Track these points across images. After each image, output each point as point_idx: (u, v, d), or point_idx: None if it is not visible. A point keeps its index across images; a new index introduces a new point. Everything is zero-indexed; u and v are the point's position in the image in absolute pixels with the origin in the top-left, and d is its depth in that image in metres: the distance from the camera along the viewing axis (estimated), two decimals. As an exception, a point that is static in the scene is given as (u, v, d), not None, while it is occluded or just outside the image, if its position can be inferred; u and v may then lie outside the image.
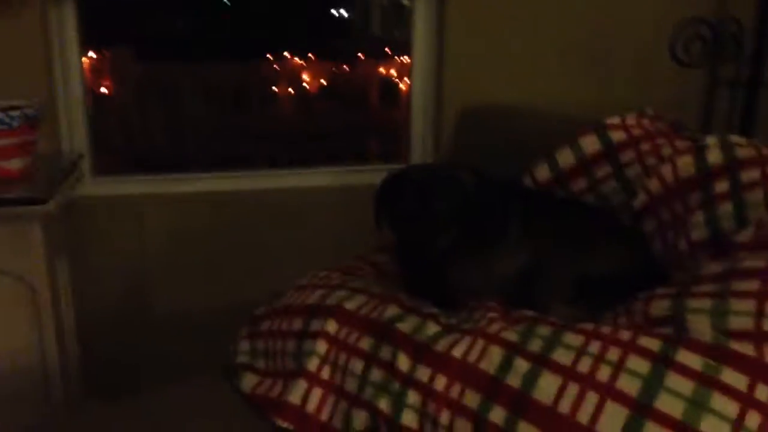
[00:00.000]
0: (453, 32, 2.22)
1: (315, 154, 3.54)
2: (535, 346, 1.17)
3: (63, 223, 2.04)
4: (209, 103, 3.63)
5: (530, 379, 1.12)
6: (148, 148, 3.41)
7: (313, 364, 1.39)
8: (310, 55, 3.76)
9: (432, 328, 1.30)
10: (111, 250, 2.25)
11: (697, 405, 1.02)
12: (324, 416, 1.34)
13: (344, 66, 3.88)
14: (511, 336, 1.21)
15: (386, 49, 3.73)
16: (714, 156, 1.47)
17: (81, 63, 2.22)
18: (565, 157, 1.72)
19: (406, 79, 3.04)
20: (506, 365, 1.16)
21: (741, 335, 1.10)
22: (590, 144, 1.70)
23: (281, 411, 1.37)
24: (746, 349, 1.07)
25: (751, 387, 1.02)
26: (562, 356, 1.13)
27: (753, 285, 1.16)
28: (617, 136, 1.68)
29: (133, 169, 2.48)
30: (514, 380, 1.14)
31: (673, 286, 1.28)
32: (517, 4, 2.22)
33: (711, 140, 1.50)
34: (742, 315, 1.13)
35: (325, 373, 1.37)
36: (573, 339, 1.16)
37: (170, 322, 2.28)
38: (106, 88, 3.21)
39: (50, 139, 2.13)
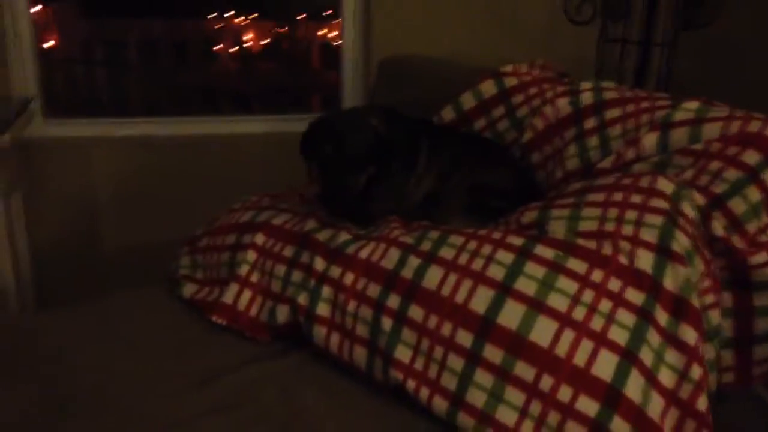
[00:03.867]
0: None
1: (256, 107, 3.70)
2: (426, 246, 1.42)
3: (16, 159, 2.21)
4: (152, 58, 3.75)
5: (420, 271, 1.37)
6: (93, 97, 3.53)
7: (243, 270, 1.62)
8: (253, 15, 3.91)
9: (344, 236, 1.55)
10: (61, 188, 2.44)
11: (547, 285, 1.27)
12: (253, 312, 1.58)
13: (285, 27, 4.03)
14: (408, 239, 1.46)
15: (327, 12, 3.90)
16: (585, 98, 1.74)
17: (29, 11, 2.37)
18: (467, 100, 1.98)
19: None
20: (402, 262, 1.41)
21: (587, 234, 1.36)
22: (488, 88, 1.96)
23: (216, 310, 1.60)
24: (589, 244, 1.34)
25: (589, 272, 1.28)
26: (446, 253, 1.38)
27: (600, 197, 1.43)
28: (510, 81, 1.94)
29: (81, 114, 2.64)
30: (407, 273, 1.38)
31: (543, 201, 1.55)
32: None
33: (585, 84, 1.77)
34: (589, 219, 1.39)
35: (254, 278, 1.61)
36: (456, 239, 1.41)
37: (118, 253, 2.49)
38: (54, 41, 3.32)
39: (2, 83, 2.29)
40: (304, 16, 3.94)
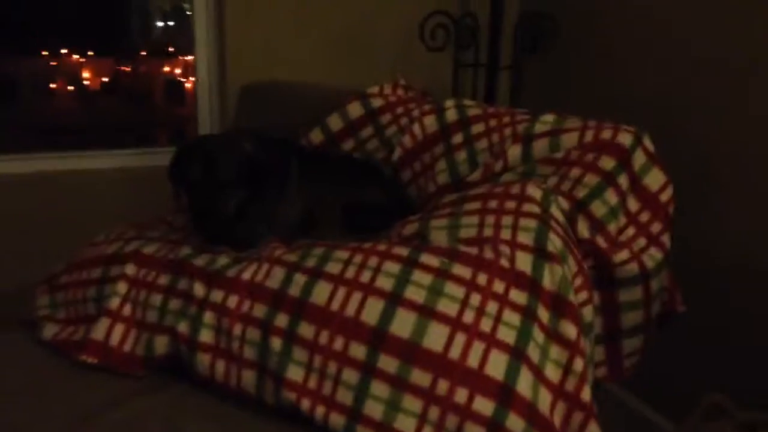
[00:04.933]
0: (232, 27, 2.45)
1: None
2: (311, 262, 1.40)
3: None
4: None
5: (307, 288, 1.35)
6: None
7: (113, 303, 1.52)
8: (89, 52, 3.73)
9: (223, 260, 1.49)
10: None
11: (435, 292, 1.29)
12: (127, 347, 1.48)
13: (126, 64, 3.89)
14: (292, 257, 1.44)
15: (170, 48, 3.80)
16: (450, 114, 1.82)
17: None
18: (335, 122, 2.00)
19: (192, 78, 3.21)
20: (288, 280, 1.38)
21: (468, 241, 1.41)
22: (355, 110, 1.99)
23: (85, 348, 1.48)
24: (472, 250, 1.38)
25: (474, 276, 1.32)
26: (332, 267, 1.37)
27: (476, 205, 1.49)
28: (376, 102, 1.98)
29: None
30: (294, 291, 1.36)
31: (420, 214, 1.58)
32: (288, 6, 2.50)
33: (448, 103, 1.85)
34: (469, 227, 1.44)
35: (126, 310, 1.51)
36: (342, 254, 1.40)
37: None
38: None
39: None
40: (144, 53, 3.83)
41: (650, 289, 1.55)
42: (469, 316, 1.27)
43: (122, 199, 2.41)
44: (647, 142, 1.59)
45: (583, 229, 1.49)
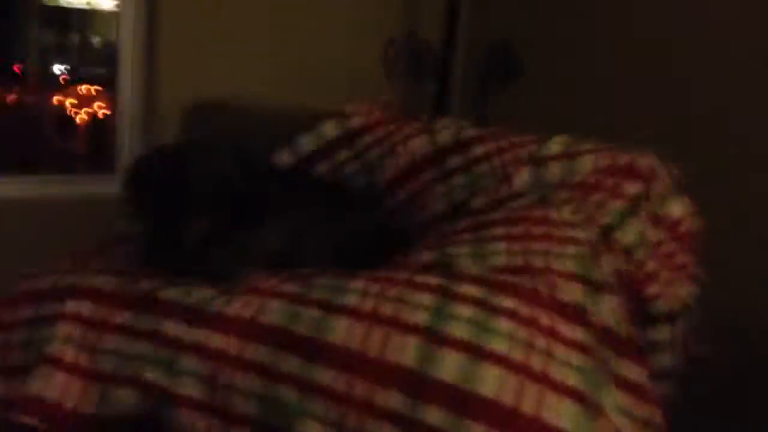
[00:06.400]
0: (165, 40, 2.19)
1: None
2: (319, 294, 1.15)
3: None
4: None
5: (320, 324, 1.10)
6: None
7: (52, 349, 1.19)
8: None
9: (201, 293, 1.21)
10: None
11: (480, 326, 1.07)
12: (71, 403, 1.15)
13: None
14: (290, 288, 1.18)
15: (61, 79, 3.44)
16: (445, 136, 1.63)
17: None
18: (308, 142, 1.76)
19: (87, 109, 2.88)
20: (291, 315, 1.12)
21: (503, 270, 1.21)
22: (330, 130, 1.76)
23: (19, 407, 1.14)
24: (510, 279, 1.18)
25: (519, 307, 1.11)
26: (346, 299, 1.13)
27: (499, 231, 1.30)
28: (355, 122, 1.76)
29: None
30: (302, 328, 1.10)
31: (430, 242, 1.37)
32: (229, 17, 2.27)
33: (441, 123, 1.67)
34: (496, 254, 1.25)
35: (69, 356, 1.19)
36: (354, 284, 1.16)
37: None
38: None
39: None
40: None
41: (678, 329, 1.40)
42: (518, 354, 1.06)
43: (34, 231, 2.04)
44: (670, 168, 1.47)
45: (611, 258, 1.33)
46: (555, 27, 2.36)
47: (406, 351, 1.06)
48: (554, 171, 1.50)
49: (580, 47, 2.28)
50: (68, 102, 3.45)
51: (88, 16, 3.01)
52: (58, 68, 3.21)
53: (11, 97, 3.42)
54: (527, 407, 1.01)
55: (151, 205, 1.37)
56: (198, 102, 2.11)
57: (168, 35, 2.22)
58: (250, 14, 2.31)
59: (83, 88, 3.10)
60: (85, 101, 3.11)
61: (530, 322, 1.10)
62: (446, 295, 1.12)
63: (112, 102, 2.72)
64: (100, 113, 2.95)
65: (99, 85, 2.98)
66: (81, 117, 3.22)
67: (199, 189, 1.35)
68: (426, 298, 1.12)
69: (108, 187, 2.31)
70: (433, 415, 1.00)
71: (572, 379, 1.06)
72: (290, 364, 1.07)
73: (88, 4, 2.91)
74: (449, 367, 1.03)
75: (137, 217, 1.40)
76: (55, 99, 3.47)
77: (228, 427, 1.07)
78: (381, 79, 2.35)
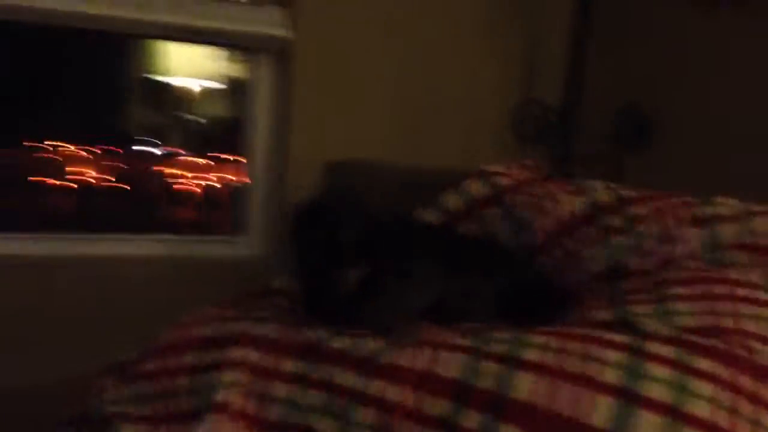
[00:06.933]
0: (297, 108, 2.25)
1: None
2: (498, 348, 1.10)
3: None
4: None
5: (503, 379, 1.04)
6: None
7: (220, 397, 1.17)
8: (95, 149, 3.46)
9: (370, 344, 1.17)
10: None
11: (679, 389, 1.00)
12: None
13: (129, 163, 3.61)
14: (464, 341, 1.13)
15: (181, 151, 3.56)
16: (602, 195, 1.58)
17: None
18: (453, 201, 1.73)
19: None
20: (471, 368, 1.07)
21: (694, 331, 1.13)
22: (477, 188, 1.73)
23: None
24: (703, 341, 1.10)
25: (717, 370, 1.04)
26: (528, 354, 1.07)
27: (686, 290, 1.23)
28: (504, 180, 1.74)
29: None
30: (484, 382, 1.04)
31: (601, 301, 1.31)
32: (362, 76, 2.33)
33: (595, 184, 1.62)
34: (685, 314, 1.18)
35: (237, 404, 1.16)
36: (533, 338, 1.11)
37: None
38: None
39: None
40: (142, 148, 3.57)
41: None
42: (722, 419, 0.98)
43: (165, 286, 2.07)
44: None
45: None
46: (688, 87, 2.30)
47: (599, 410, 0.99)
48: (727, 232, 1.42)
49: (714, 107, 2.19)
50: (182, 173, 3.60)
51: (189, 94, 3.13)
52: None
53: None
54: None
55: (308, 255, 1.36)
56: (326, 163, 2.14)
57: (299, 104, 2.28)
58: (376, 79, 2.35)
59: (197, 160, 3.21)
60: (197, 171, 3.21)
61: (732, 386, 1.02)
62: (637, 353, 1.05)
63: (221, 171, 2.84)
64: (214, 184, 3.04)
65: (205, 158, 3.10)
66: (194, 187, 3.34)
67: (353, 238, 1.34)
68: (615, 356, 1.05)
69: (239, 249, 2.40)
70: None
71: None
72: (471, 419, 1.01)
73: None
74: (647, 429, 0.96)
75: (295, 268, 1.40)
76: (166, 170, 3.62)
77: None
78: (500, 143, 2.34)
